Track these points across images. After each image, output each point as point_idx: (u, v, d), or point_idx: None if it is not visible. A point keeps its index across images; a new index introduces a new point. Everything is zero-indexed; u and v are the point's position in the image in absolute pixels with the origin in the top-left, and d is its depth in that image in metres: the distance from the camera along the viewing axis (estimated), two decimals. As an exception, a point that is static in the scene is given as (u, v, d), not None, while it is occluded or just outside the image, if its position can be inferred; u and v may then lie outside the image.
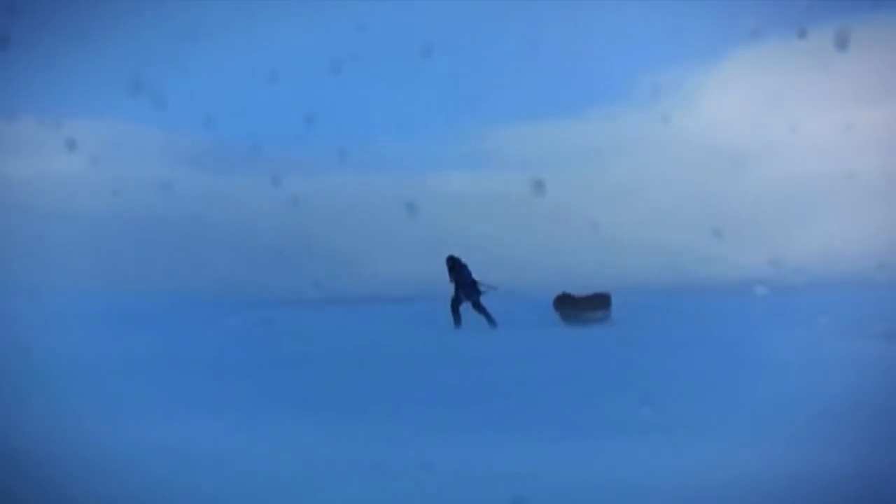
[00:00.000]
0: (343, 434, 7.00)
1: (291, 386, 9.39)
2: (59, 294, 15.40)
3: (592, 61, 26.42)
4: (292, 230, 20.38)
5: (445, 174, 23.95)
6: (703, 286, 18.00)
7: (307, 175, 22.16)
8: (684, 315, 14.42)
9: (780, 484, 5.19)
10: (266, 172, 19.22)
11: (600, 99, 25.68)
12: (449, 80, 24.99)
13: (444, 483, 5.55)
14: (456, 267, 14.98)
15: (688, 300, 16.34)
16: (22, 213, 18.21)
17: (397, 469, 5.87)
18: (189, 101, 20.23)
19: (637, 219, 21.53)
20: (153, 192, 19.03)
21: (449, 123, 25.41)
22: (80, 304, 15.03)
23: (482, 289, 14.90)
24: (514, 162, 23.87)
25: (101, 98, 19.89)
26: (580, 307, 15.09)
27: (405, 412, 7.85)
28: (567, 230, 19.97)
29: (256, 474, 5.72)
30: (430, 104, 25.65)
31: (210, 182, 22.95)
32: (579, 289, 15.17)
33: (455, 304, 15.02)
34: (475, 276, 14.95)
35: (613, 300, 15.10)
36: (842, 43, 10.44)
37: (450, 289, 14.99)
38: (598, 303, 15.09)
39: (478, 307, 14.96)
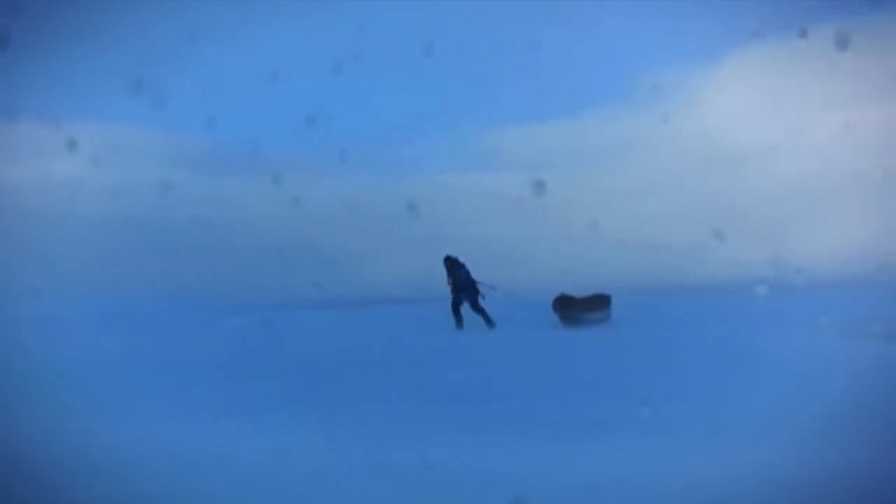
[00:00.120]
0: (344, 435, 7.01)
1: (292, 388, 9.39)
2: (59, 296, 15.37)
3: (593, 62, 26.41)
4: (293, 231, 20.37)
5: (447, 175, 23.93)
6: (703, 286, 17.97)
7: (308, 175, 22.16)
8: (685, 315, 14.39)
9: (779, 484, 5.21)
10: (266, 173, 19.18)
11: (601, 100, 25.65)
12: (450, 81, 25.00)
13: (445, 483, 5.56)
14: (454, 267, 14.94)
15: (688, 300, 16.30)
16: (22, 215, 18.18)
17: (398, 470, 5.88)
18: (189, 102, 20.21)
19: (638, 219, 21.52)
20: (154, 193, 19.00)
21: (450, 124, 25.42)
22: (81, 307, 15.00)
23: (481, 289, 14.87)
24: (515, 163, 23.88)
25: (102, 99, 19.90)
26: (579, 309, 14.98)
27: (406, 413, 7.87)
28: (568, 231, 19.96)
29: (257, 476, 5.73)
30: (431, 105, 25.67)
31: (210, 183, 22.93)
32: (580, 289, 15.08)
33: (456, 305, 14.96)
34: (476, 276, 14.91)
35: (614, 301, 15.02)
36: (842, 43, 10.45)
37: (447, 290, 14.93)
38: (597, 304, 14.99)
39: (476, 308, 14.89)
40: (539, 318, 14.81)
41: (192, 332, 14.20)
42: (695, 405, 7.54)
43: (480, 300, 14.83)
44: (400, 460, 6.11)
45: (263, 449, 6.47)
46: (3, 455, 5.87)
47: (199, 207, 21.70)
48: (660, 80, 23.39)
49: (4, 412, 7.20)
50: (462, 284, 14.84)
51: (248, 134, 23.51)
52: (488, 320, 14.77)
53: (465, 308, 14.95)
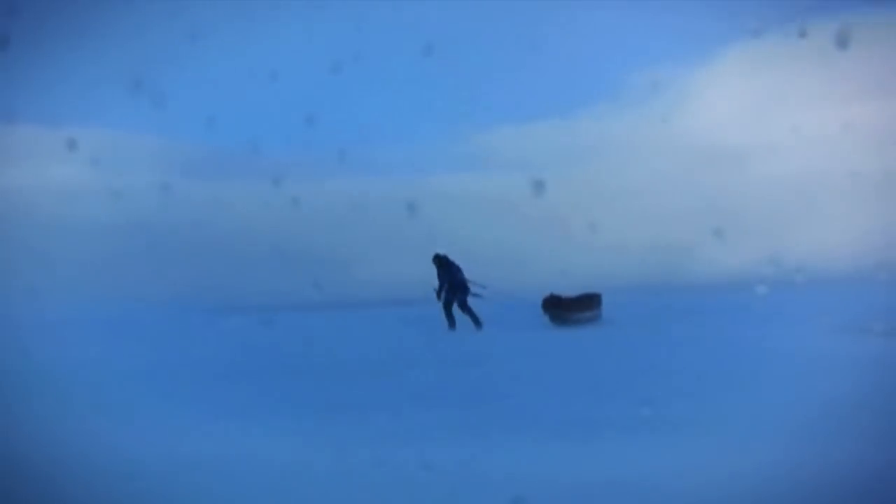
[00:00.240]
0: (343, 436, 7.01)
1: (291, 389, 9.39)
2: (59, 300, 15.41)
3: (591, 61, 26.43)
4: (292, 232, 20.37)
5: (445, 175, 23.94)
6: (702, 285, 17.97)
7: (307, 176, 22.14)
8: (684, 314, 14.37)
9: (780, 482, 5.19)
10: (266, 173, 19.19)
11: (598, 98, 25.71)
12: (449, 81, 24.99)
13: (444, 484, 5.55)
14: (444, 265, 14.86)
15: (687, 299, 16.30)
16: (22, 217, 18.21)
17: (397, 470, 5.88)
18: (189, 102, 20.21)
19: (636, 218, 21.50)
20: (153, 195, 19.01)
21: (449, 124, 25.42)
22: (81, 309, 15.04)
23: (472, 287, 14.80)
24: (512, 163, 23.88)
25: (101, 100, 19.92)
26: (569, 308, 14.90)
27: (405, 414, 7.86)
28: (565, 230, 19.96)
29: (257, 478, 5.73)
30: (430, 105, 25.66)
31: (210, 184, 22.94)
32: (577, 289, 15.02)
33: (448, 306, 14.87)
34: (471, 276, 14.82)
35: (613, 300, 14.95)
36: (842, 41, 10.42)
37: (434, 288, 14.82)
38: (587, 303, 14.90)
39: (464, 307, 14.80)
40: (534, 317, 14.79)
41: (191, 334, 14.22)
42: (695, 404, 7.52)
43: (470, 300, 14.74)
44: (398, 460, 6.11)
45: (263, 450, 6.47)
46: (4, 457, 5.87)
47: (198, 209, 21.70)
48: (657, 79, 23.45)
49: (5, 414, 7.20)
50: (454, 283, 14.78)
51: (248, 134, 23.61)
52: (476, 320, 14.70)
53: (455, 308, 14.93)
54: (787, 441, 6.04)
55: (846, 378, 8.07)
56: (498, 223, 21.43)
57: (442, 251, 15.00)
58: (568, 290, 14.97)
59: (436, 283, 14.81)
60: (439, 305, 14.88)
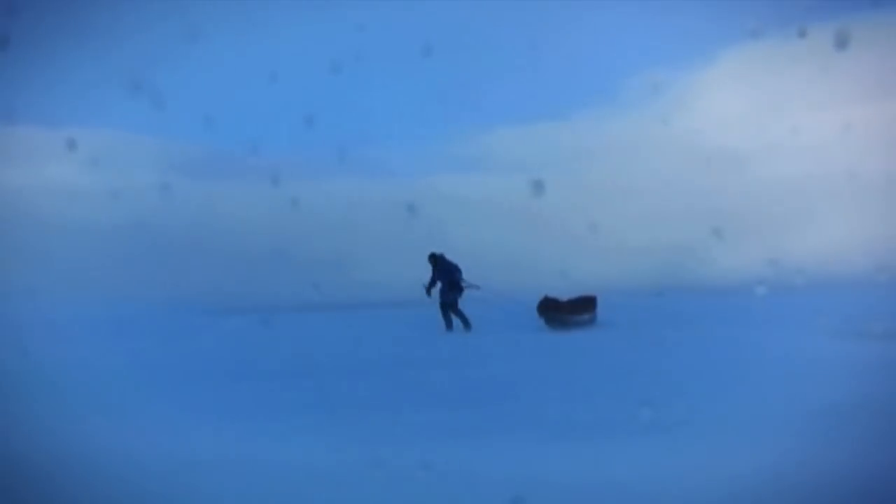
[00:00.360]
0: (342, 436, 7.01)
1: (291, 389, 9.40)
2: (58, 300, 15.44)
3: (591, 62, 26.43)
4: (291, 233, 20.36)
5: (444, 176, 23.94)
6: (701, 287, 17.97)
7: (307, 176, 22.13)
8: (682, 316, 14.36)
9: (778, 484, 5.19)
10: (265, 173, 19.17)
11: (599, 100, 25.67)
12: (449, 82, 24.99)
13: (443, 485, 5.56)
14: (440, 264, 14.84)
15: (686, 301, 16.30)
16: (21, 218, 18.20)
17: (397, 472, 5.88)
18: (188, 102, 20.17)
19: (635, 220, 21.50)
20: (152, 195, 19.02)
21: (449, 125, 25.41)
22: (80, 310, 15.05)
23: (465, 286, 14.80)
24: (511, 164, 23.89)
25: (100, 100, 19.92)
26: (565, 311, 14.88)
27: (404, 415, 7.87)
28: (564, 232, 19.95)
29: (256, 479, 5.73)
30: (430, 105, 25.66)
31: (209, 184, 22.93)
32: (575, 290, 15.03)
33: (445, 307, 14.88)
34: (469, 277, 14.81)
35: (612, 302, 14.93)
36: (842, 42, 10.41)
37: (426, 286, 14.81)
38: (582, 306, 14.89)
39: (454, 307, 14.81)
40: (531, 319, 14.79)
41: (190, 334, 14.27)
42: (693, 405, 7.52)
43: (470, 301, 14.75)
44: (397, 461, 6.11)
45: (262, 450, 6.48)
46: (3, 457, 5.87)
47: (197, 209, 21.71)
48: (657, 80, 23.43)
49: (4, 413, 7.20)
50: (452, 282, 14.79)
51: (247, 134, 23.57)
52: (466, 322, 14.73)
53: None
54: (786, 443, 6.04)
55: (845, 380, 8.06)
56: (497, 224, 21.43)
57: (439, 251, 15.00)
58: (566, 292, 14.96)
59: (427, 280, 14.82)
60: (437, 307, 14.91)
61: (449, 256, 14.96)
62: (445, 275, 14.78)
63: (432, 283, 14.78)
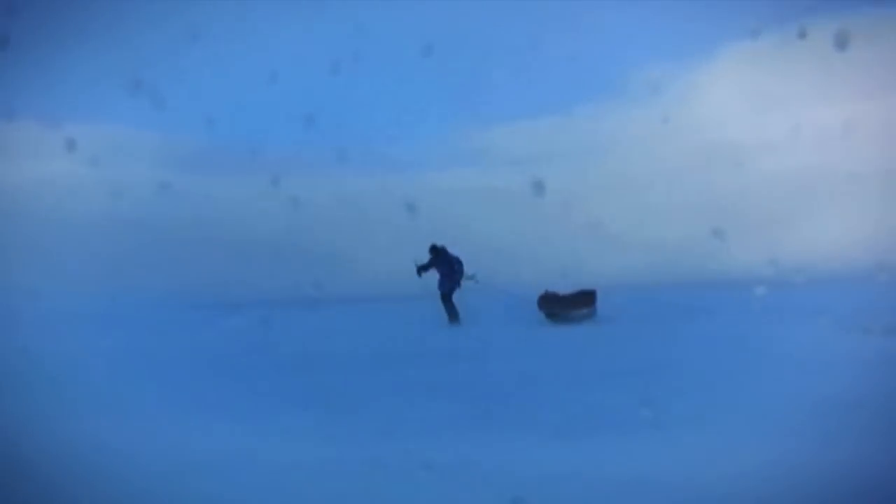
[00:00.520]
0: (340, 432, 7.00)
1: (290, 386, 9.40)
2: (58, 296, 15.43)
3: (592, 58, 26.38)
4: (291, 231, 20.37)
5: (444, 174, 23.93)
6: (701, 282, 17.96)
7: (307, 176, 22.12)
8: (682, 312, 14.34)
9: (781, 479, 5.19)
10: (265, 173, 19.19)
11: (600, 95, 25.63)
12: (449, 78, 24.95)
13: (442, 479, 5.56)
14: (441, 255, 14.78)
15: (686, 297, 16.28)
16: (21, 216, 18.22)
17: (396, 468, 5.87)
18: (189, 102, 20.21)
19: (636, 216, 21.51)
20: (152, 193, 19.03)
21: (449, 122, 25.41)
22: (80, 306, 15.06)
23: (465, 278, 14.80)
24: (511, 160, 23.89)
25: (101, 99, 19.91)
26: (565, 306, 14.93)
27: (402, 409, 7.86)
28: (565, 227, 19.95)
29: (256, 473, 5.73)
30: (429, 104, 25.64)
31: (209, 183, 22.93)
32: (575, 286, 15.04)
33: (444, 298, 14.91)
34: (468, 271, 14.84)
35: (612, 297, 14.93)
36: (842, 40, 10.43)
37: (418, 262, 14.83)
38: (582, 300, 14.93)
39: (449, 299, 14.86)
40: (531, 314, 14.80)
41: (190, 332, 14.23)
42: (692, 401, 7.51)
43: (469, 294, 14.80)
44: (396, 456, 6.12)
45: (262, 446, 6.47)
46: (2, 454, 5.87)
47: (197, 207, 21.71)
48: (658, 77, 23.42)
49: (4, 411, 7.20)
50: (452, 275, 14.83)
51: (247, 134, 23.54)
52: (456, 316, 14.79)
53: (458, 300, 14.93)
54: (789, 438, 6.04)
55: (846, 375, 8.06)
56: (498, 219, 21.43)
57: (452, 250, 15.02)
58: (566, 286, 14.99)
59: (421, 262, 14.82)
60: (437, 300, 14.95)
61: (450, 250, 15.00)
62: (446, 266, 14.81)
63: (426, 268, 14.83)
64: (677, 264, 18.88)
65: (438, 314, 14.80)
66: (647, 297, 16.25)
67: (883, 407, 6.68)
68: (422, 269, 14.76)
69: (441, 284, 14.88)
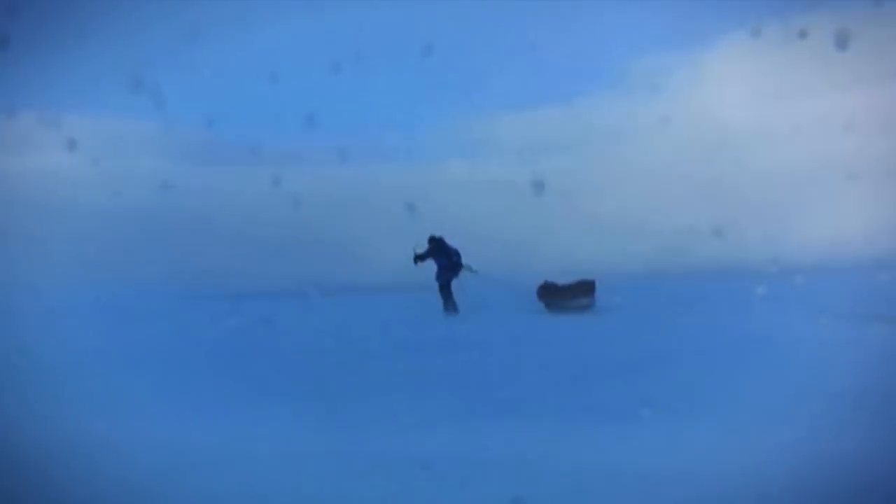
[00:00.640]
0: (341, 424, 7.00)
1: (289, 378, 9.39)
2: (59, 290, 15.47)
3: (593, 48, 26.44)
4: (292, 228, 20.38)
5: (444, 168, 24.00)
6: (701, 272, 17.99)
7: (307, 175, 22.14)
8: (683, 302, 14.39)
9: (781, 471, 5.17)
10: (266, 172, 19.19)
11: (601, 85, 25.69)
12: (450, 68, 24.91)
13: (445, 472, 5.54)
14: (439, 246, 14.85)
15: (686, 287, 16.32)
16: (22, 210, 18.25)
17: (394, 459, 5.87)
18: (189, 101, 20.25)
19: (636, 206, 21.53)
20: (153, 189, 19.06)
21: (451, 111, 25.43)
22: (80, 300, 15.08)
23: (463, 269, 14.85)
24: (514, 149, 23.93)
25: (101, 97, 19.95)
26: (564, 296, 14.97)
27: (403, 401, 7.84)
28: (565, 216, 19.97)
29: (256, 468, 5.72)
30: (431, 91, 25.64)
31: (210, 181, 22.99)
32: (575, 275, 15.08)
33: (442, 288, 14.98)
34: (469, 262, 14.90)
35: (612, 287, 14.94)
36: (842, 37, 10.44)
37: (416, 250, 14.91)
38: (581, 290, 14.95)
39: (447, 289, 14.92)
40: (531, 303, 14.84)
41: (191, 326, 14.25)
42: (694, 391, 7.51)
43: (468, 285, 14.84)
44: (395, 449, 6.11)
45: (263, 441, 6.46)
46: (2, 449, 5.86)
47: (198, 204, 21.74)
48: (657, 67, 23.47)
49: (2, 406, 7.19)
50: (451, 265, 14.86)
51: (248, 133, 23.59)
52: (454, 306, 14.87)
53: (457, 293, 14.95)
54: (788, 431, 6.01)
55: (848, 368, 8.05)
56: (498, 209, 21.45)
57: (439, 235, 15.08)
58: (566, 276, 15.03)
59: (419, 250, 14.91)
60: (437, 290, 15.00)
61: (450, 240, 15.06)
62: (443, 257, 14.84)
63: (423, 258, 14.84)
64: (677, 254, 18.87)
65: (438, 305, 14.85)
66: (647, 288, 16.27)
67: (888, 396, 6.66)
68: (418, 257, 14.82)
69: (439, 276, 14.95)
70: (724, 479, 5.12)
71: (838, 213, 18.39)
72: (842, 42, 10.39)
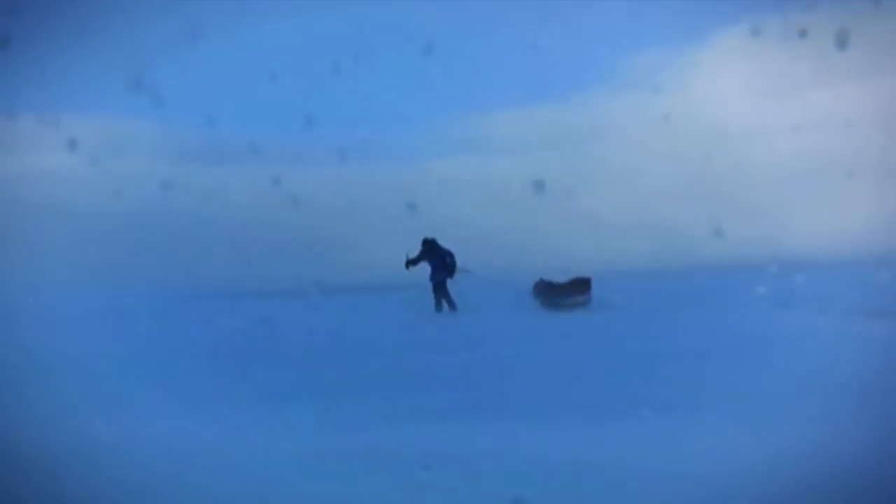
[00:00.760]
0: (340, 422, 6.99)
1: (289, 376, 9.39)
2: (58, 290, 15.48)
3: (589, 45, 26.46)
4: (292, 228, 20.40)
5: (443, 159, 24.04)
6: (699, 269, 18.01)
7: (307, 175, 22.15)
8: (681, 298, 14.43)
9: (782, 467, 5.15)
10: (266, 172, 19.21)
11: (597, 82, 25.71)
12: (448, 66, 24.94)
13: (445, 472, 5.52)
14: (432, 249, 14.93)
15: (684, 284, 16.35)
16: (22, 210, 18.27)
17: (390, 458, 5.86)
18: (189, 101, 20.28)
19: (633, 202, 21.56)
20: (153, 189, 19.07)
21: (448, 108, 25.47)
22: (80, 301, 15.10)
23: (458, 270, 14.89)
24: (511, 146, 23.95)
25: (101, 97, 19.97)
26: (559, 293, 14.99)
27: (400, 399, 7.84)
28: (562, 213, 19.97)
29: (256, 468, 5.71)
30: (429, 89, 25.67)
31: (210, 181, 23.02)
32: (572, 273, 15.10)
33: (436, 288, 15.04)
34: (466, 260, 14.93)
35: (609, 284, 14.95)
36: (842, 35, 10.43)
37: (409, 256, 14.97)
38: (577, 288, 14.96)
39: (443, 289, 14.96)
40: (527, 301, 14.86)
41: (190, 327, 14.26)
42: (695, 387, 7.50)
43: (466, 283, 14.90)
44: (392, 447, 6.11)
45: (262, 440, 6.45)
46: (1, 450, 5.85)
47: (197, 205, 21.76)
48: (655, 64, 23.48)
49: (2, 407, 7.19)
50: (446, 266, 14.89)
51: (248, 132, 23.62)
52: (452, 304, 14.94)
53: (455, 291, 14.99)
54: (789, 426, 6.02)
55: (849, 363, 8.04)
56: (494, 206, 21.49)
57: (431, 237, 15.17)
58: (562, 273, 15.06)
59: (411, 255, 14.98)
60: (431, 289, 15.04)
61: (447, 239, 15.26)
62: (437, 259, 14.90)
63: (415, 262, 14.90)
64: (675, 251, 18.91)
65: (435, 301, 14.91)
66: (645, 285, 16.31)
67: (887, 395, 6.66)
68: (410, 262, 14.89)
69: (432, 276, 15.01)
70: (725, 477, 5.09)
71: (838, 210, 18.39)
72: (842, 41, 10.38)
